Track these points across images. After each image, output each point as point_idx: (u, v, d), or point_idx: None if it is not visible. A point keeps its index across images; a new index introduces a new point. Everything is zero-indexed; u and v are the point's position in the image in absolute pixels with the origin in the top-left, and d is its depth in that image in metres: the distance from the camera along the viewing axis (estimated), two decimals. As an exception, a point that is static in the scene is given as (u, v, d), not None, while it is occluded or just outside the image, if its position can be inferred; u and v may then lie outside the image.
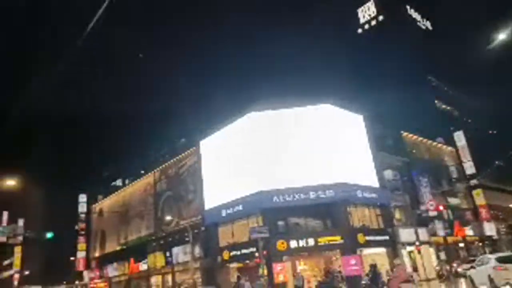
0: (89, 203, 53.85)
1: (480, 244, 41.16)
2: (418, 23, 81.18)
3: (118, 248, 46.39)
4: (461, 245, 38.23)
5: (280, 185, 27.62)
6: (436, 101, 68.83)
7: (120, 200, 49.26)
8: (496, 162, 56.59)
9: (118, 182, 57.48)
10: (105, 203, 52.79)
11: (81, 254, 50.82)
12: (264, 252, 25.47)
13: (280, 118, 29.68)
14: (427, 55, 67.20)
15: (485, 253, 37.70)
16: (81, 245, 51.05)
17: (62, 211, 55.97)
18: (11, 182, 27.95)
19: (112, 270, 46.42)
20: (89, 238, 52.42)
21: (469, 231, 38.83)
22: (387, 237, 29.39)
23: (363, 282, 21.91)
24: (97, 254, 51.31)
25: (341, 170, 28.16)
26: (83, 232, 51.63)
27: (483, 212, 41.19)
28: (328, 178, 27.60)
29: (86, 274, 49.80)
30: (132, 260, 42.10)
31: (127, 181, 52.81)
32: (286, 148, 28.57)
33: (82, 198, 52.78)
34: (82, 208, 52.42)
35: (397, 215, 32.60)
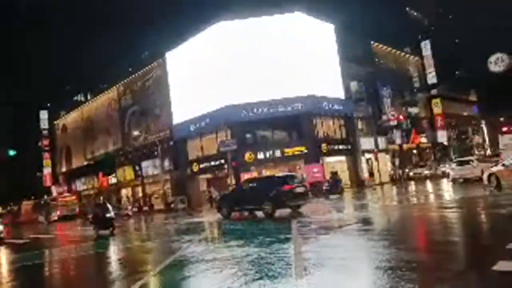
0: (51, 119, 52.22)
1: (432, 150, 44.41)
2: None
3: (85, 163, 46.45)
4: (415, 151, 41.08)
5: (248, 99, 27.57)
6: (407, 8, 67.17)
7: (84, 115, 47.82)
8: (457, 73, 58.47)
9: (80, 97, 55.23)
10: (68, 119, 51.24)
11: (47, 170, 50.90)
12: (233, 164, 26.46)
13: (249, 28, 28.38)
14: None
15: (435, 158, 40.86)
16: (46, 161, 50.92)
17: (23, 129, 54.13)
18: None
19: (80, 184, 47.12)
20: (54, 155, 51.96)
21: (423, 139, 41.55)
22: (348, 146, 31.05)
23: (324, 187, 23.57)
24: (63, 170, 51.38)
25: (309, 82, 28.18)
26: (47, 148, 51.06)
27: (439, 120, 43.73)
28: (296, 91, 27.71)
29: (54, 189, 50.45)
30: (100, 174, 42.64)
31: (89, 96, 50.84)
32: (254, 60, 27.88)
33: (43, 114, 51.22)
34: (44, 124, 51.14)
35: (360, 125, 34.03)
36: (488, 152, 47.03)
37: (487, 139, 54.94)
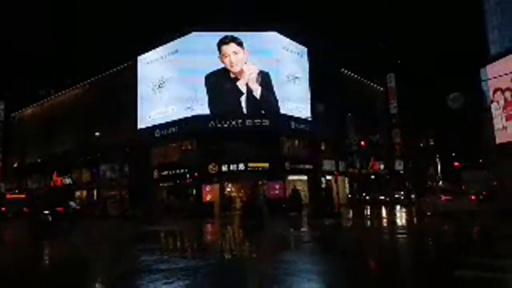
0: (9, 110, 49.60)
1: (388, 177, 46.14)
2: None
3: (39, 160, 44.24)
4: (372, 177, 42.59)
5: (217, 110, 27.69)
6: (380, 43, 70.70)
7: (45, 110, 45.81)
8: (418, 106, 61.72)
9: (43, 92, 52.91)
10: (27, 112, 48.87)
11: (-4, 163, 48.11)
12: (195, 174, 26.27)
13: (223, 41, 28.68)
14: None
15: (391, 185, 42.48)
16: (-2, 154, 48.17)
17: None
18: None
19: (32, 182, 44.75)
20: (6, 148, 49.14)
21: (381, 166, 43.22)
22: (311, 166, 31.73)
23: (284, 205, 23.79)
24: (15, 165, 48.62)
25: (280, 100, 28.85)
26: None
27: (397, 150, 45.76)
28: (265, 107, 28.20)
29: (2, 185, 47.50)
30: (55, 173, 40.72)
31: (52, 91, 48.85)
32: (226, 73, 28.20)
33: (0, 104, 48.55)
34: (0, 115, 48.47)
35: (323, 147, 34.88)
36: (440, 183, 49.56)
37: (439, 171, 57.97)
